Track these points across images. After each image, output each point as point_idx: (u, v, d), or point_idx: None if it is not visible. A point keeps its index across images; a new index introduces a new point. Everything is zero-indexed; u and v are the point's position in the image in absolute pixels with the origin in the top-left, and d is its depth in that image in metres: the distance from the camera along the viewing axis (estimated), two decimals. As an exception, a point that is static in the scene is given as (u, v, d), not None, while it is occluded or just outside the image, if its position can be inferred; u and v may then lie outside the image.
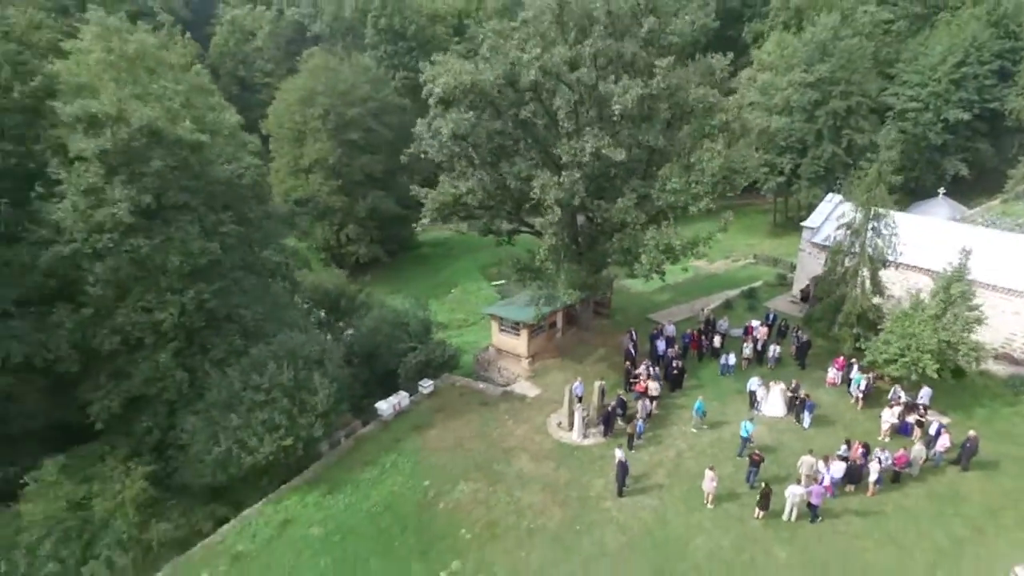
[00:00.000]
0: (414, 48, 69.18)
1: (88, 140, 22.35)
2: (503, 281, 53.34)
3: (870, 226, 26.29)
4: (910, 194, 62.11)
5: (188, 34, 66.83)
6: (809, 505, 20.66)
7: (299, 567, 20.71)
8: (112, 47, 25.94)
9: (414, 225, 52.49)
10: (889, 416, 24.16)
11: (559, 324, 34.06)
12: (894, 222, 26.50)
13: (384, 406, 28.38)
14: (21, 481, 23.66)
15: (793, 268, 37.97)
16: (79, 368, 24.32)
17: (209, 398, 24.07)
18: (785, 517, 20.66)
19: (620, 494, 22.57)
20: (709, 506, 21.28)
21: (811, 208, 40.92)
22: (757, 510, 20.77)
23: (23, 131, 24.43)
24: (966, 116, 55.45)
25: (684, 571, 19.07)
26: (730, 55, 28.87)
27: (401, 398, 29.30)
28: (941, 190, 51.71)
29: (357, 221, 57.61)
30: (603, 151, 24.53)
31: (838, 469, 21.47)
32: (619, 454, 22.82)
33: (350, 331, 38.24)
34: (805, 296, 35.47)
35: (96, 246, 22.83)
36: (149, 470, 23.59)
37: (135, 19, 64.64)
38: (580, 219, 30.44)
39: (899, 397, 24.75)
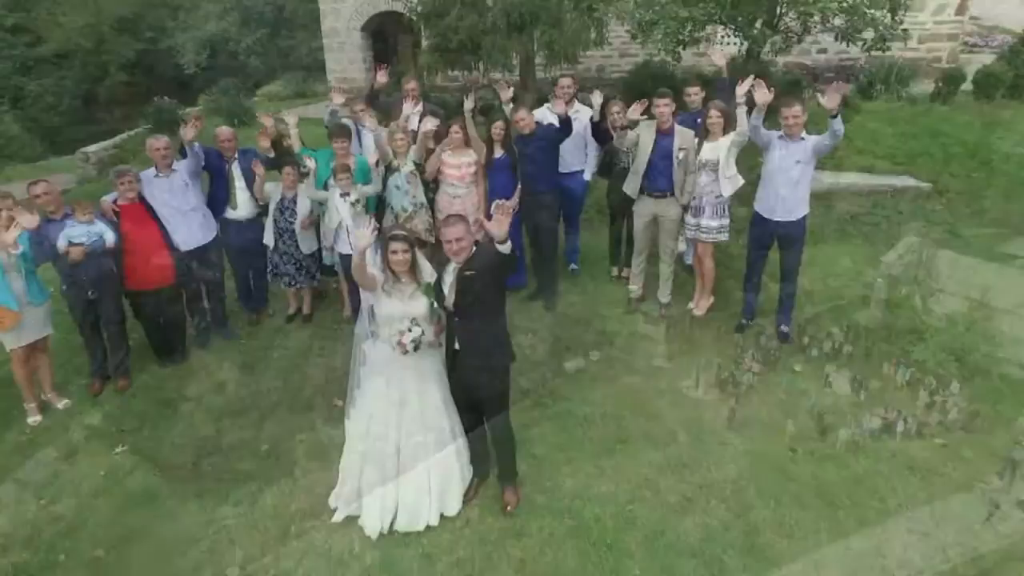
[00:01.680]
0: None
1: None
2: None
3: (921, 264, 36.44)
4: (1011, 228, 67.64)
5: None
6: (858, 446, 31.82)
7: (535, 445, 34.58)
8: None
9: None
10: (930, 398, 34.59)
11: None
12: (938, 262, 36.30)
13: (570, 365, 41.90)
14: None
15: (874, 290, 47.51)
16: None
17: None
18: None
19: (729, 429, 34.63)
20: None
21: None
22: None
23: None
24: (1070, 161, 60.67)
25: (773, 476, 31.04)
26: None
27: (579, 361, 42.65)
28: (1036, 228, 58.05)
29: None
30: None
31: (883, 427, 32.38)
32: (731, 403, 34.89)
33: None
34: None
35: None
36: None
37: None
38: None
39: (936, 384, 34.92)
